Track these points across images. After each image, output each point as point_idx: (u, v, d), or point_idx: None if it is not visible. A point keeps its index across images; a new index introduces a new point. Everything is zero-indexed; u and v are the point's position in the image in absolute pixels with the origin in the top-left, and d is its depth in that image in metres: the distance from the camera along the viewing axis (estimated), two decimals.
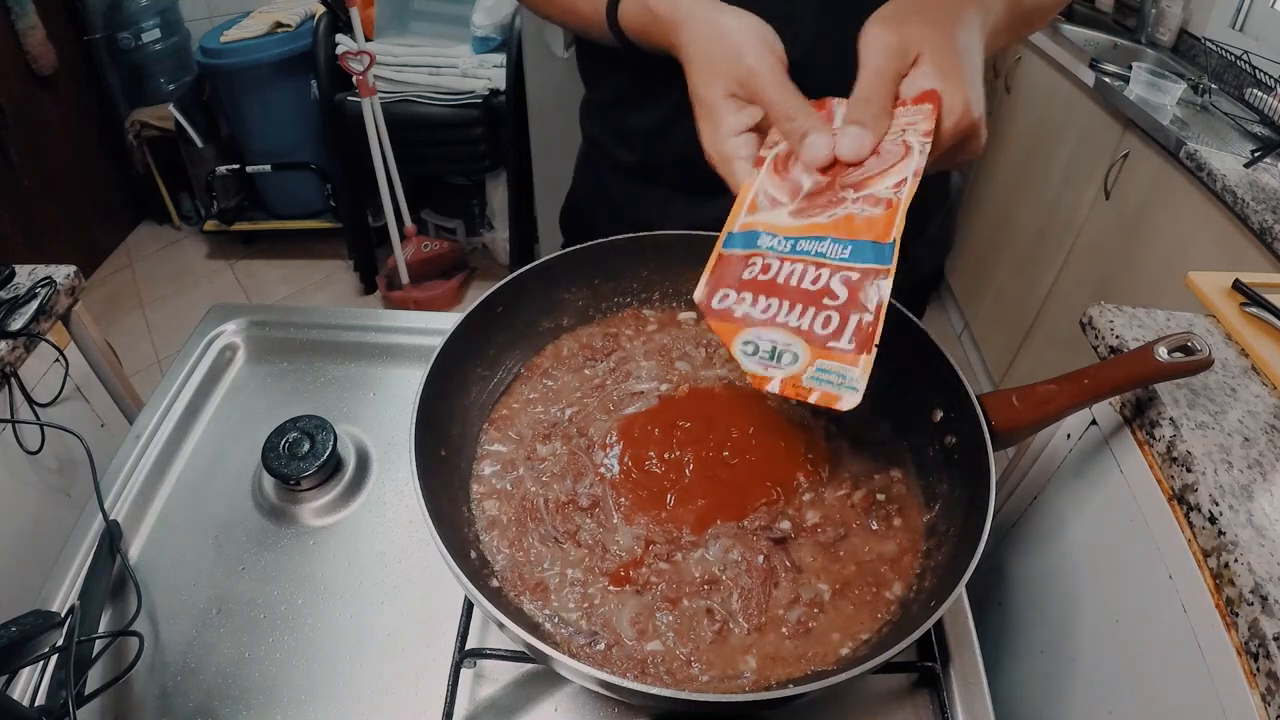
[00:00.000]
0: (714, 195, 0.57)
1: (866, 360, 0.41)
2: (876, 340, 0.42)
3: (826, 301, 0.44)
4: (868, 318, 0.42)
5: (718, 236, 0.52)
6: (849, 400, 0.41)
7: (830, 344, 0.42)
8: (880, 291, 0.43)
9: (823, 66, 0.54)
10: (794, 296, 0.45)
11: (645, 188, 0.77)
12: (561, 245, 0.84)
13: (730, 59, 0.52)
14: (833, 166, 0.49)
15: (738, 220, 0.50)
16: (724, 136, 0.52)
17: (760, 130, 0.53)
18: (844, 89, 0.50)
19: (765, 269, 0.46)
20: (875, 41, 0.48)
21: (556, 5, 0.67)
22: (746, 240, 0.49)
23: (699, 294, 0.48)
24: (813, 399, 0.42)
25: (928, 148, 0.45)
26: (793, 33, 0.60)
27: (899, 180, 0.45)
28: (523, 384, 0.64)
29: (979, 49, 0.50)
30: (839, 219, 0.46)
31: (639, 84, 0.71)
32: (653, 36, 0.59)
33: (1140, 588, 0.60)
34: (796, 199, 0.49)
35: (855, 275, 0.43)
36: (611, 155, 0.79)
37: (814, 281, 0.44)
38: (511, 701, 0.54)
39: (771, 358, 0.44)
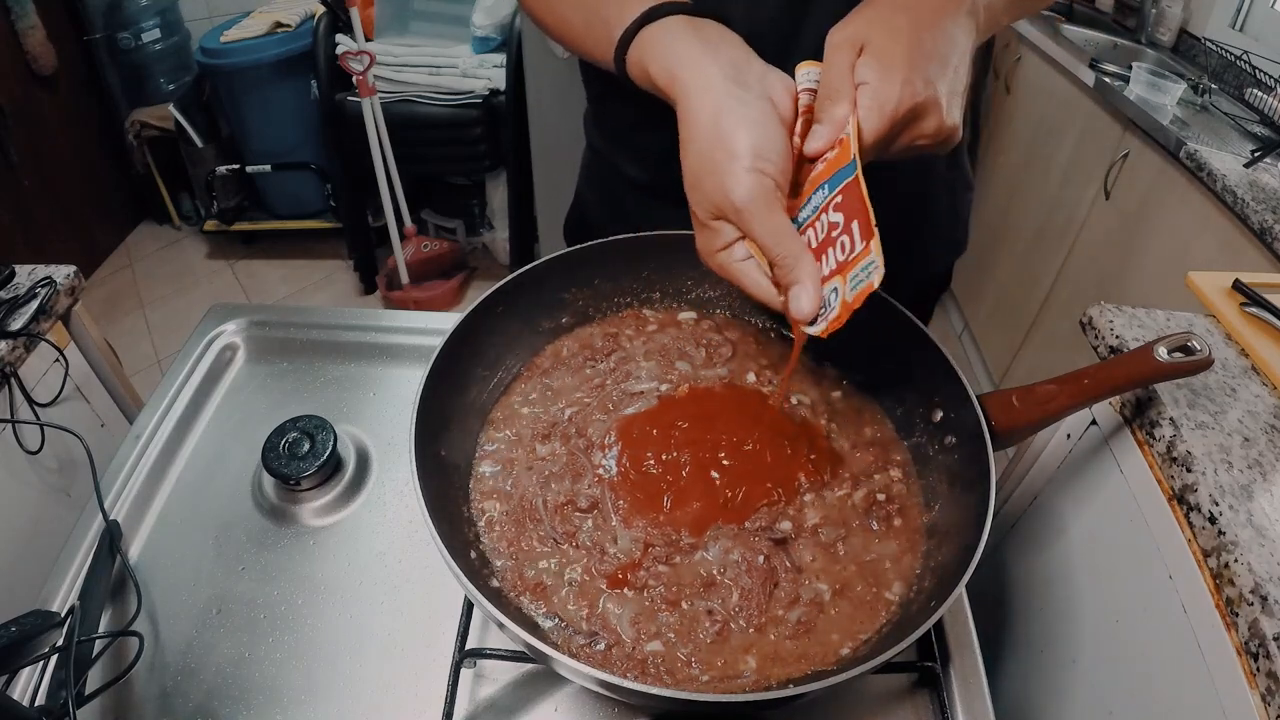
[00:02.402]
0: None
1: (875, 243, 0.44)
2: (874, 221, 0.44)
3: (834, 234, 0.47)
4: (863, 209, 0.45)
5: None
6: (878, 278, 0.44)
7: (851, 256, 0.45)
8: (859, 187, 0.45)
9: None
10: (817, 254, 0.48)
11: (657, 202, 0.76)
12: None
13: (718, 187, 0.48)
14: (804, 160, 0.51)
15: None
16: (715, 250, 0.50)
17: None
18: None
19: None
20: (834, 40, 0.49)
21: (566, 39, 0.64)
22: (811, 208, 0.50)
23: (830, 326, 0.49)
24: (859, 301, 0.45)
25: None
26: (800, 39, 0.60)
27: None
28: (523, 384, 0.64)
29: (940, 31, 0.49)
30: (813, 178, 0.49)
31: (648, 107, 0.69)
32: (654, 90, 0.55)
33: (1140, 588, 0.60)
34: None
35: (839, 197, 0.47)
36: (620, 170, 0.78)
37: (822, 230, 0.48)
38: (511, 701, 0.54)
39: (826, 308, 0.47)
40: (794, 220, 0.49)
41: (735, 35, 0.53)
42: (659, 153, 0.71)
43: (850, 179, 0.46)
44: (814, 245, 0.48)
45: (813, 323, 0.48)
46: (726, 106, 0.49)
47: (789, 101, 0.51)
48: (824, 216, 0.48)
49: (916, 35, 0.48)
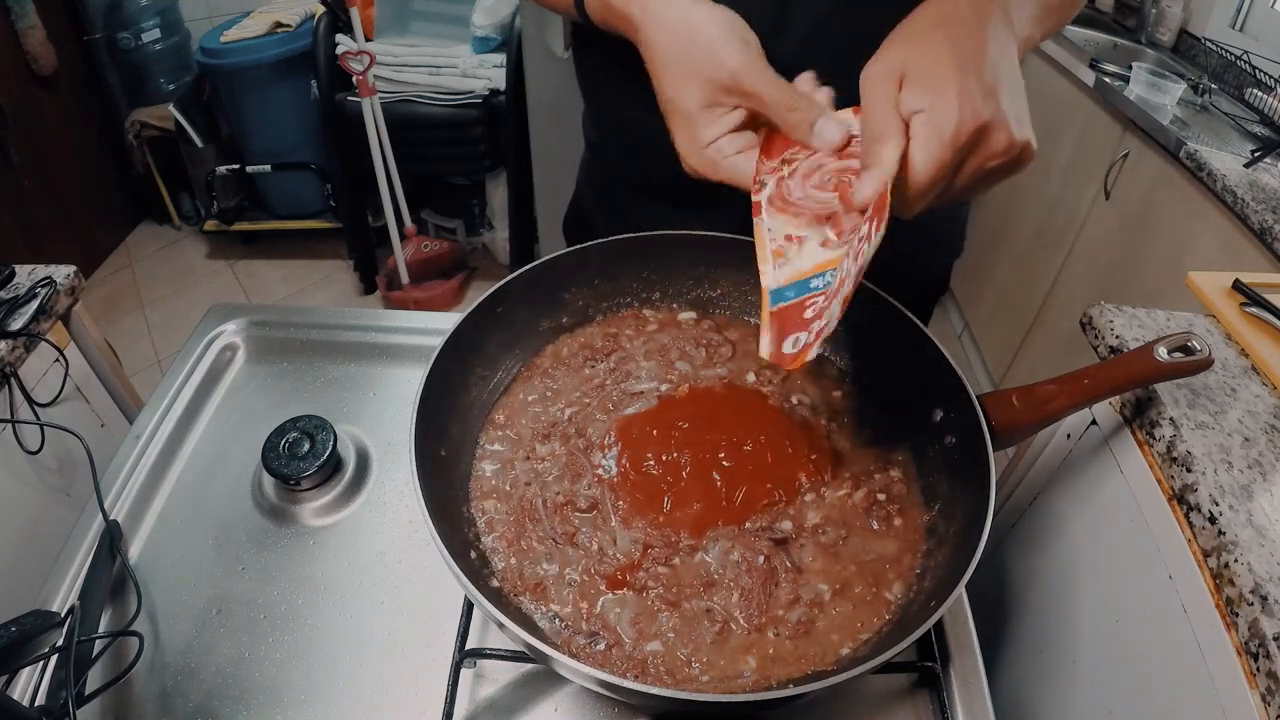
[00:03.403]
0: (719, 206, 0.56)
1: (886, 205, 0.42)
2: (886, 196, 0.42)
3: (858, 242, 0.45)
4: (879, 202, 0.43)
5: (718, 236, 0.52)
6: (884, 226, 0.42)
7: (871, 242, 0.43)
8: (884, 191, 0.43)
9: (816, 67, 0.53)
10: (845, 285, 0.45)
11: (655, 201, 0.76)
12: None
13: (708, 62, 0.48)
14: (839, 176, 0.49)
15: (769, 273, 0.49)
16: (704, 143, 0.50)
17: (741, 128, 0.51)
18: (836, 89, 0.50)
19: (829, 294, 0.46)
20: (868, 76, 0.46)
21: None
22: (795, 290, 0.48)
23: (768, 355, 0.47)
24: (868, 255, 0.43)
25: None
26: (786, 33, 0.59)
27: None
28: (522, 384, 0.64)
29: (988, 35, 0.45)
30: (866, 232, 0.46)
31: (635, 96, 0.69)
32: (616, 29, 0.55)
33: (1140, 588, 0.60)
34: (819, 228, 0.49)
35: (869, 210, 0.44)
36: (614, 164, 0.78)
37: (854, 257, 0.45)
38: (511, 701, 0.54)
39: (835, 309, 0.45)
40: (844, 266, 0.47)
41: None
42: (655, 148, 0.71)
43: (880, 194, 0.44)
44: (845, 276, 0.46)
45: (823, 348, 0.44)
46: (694, 8, 0.49)
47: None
48: (855, 240, 0.46)
49: (960, 46, 0.43)
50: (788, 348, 0.47)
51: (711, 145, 0.50)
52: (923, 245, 0.77)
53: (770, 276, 0.49)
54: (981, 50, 0.44)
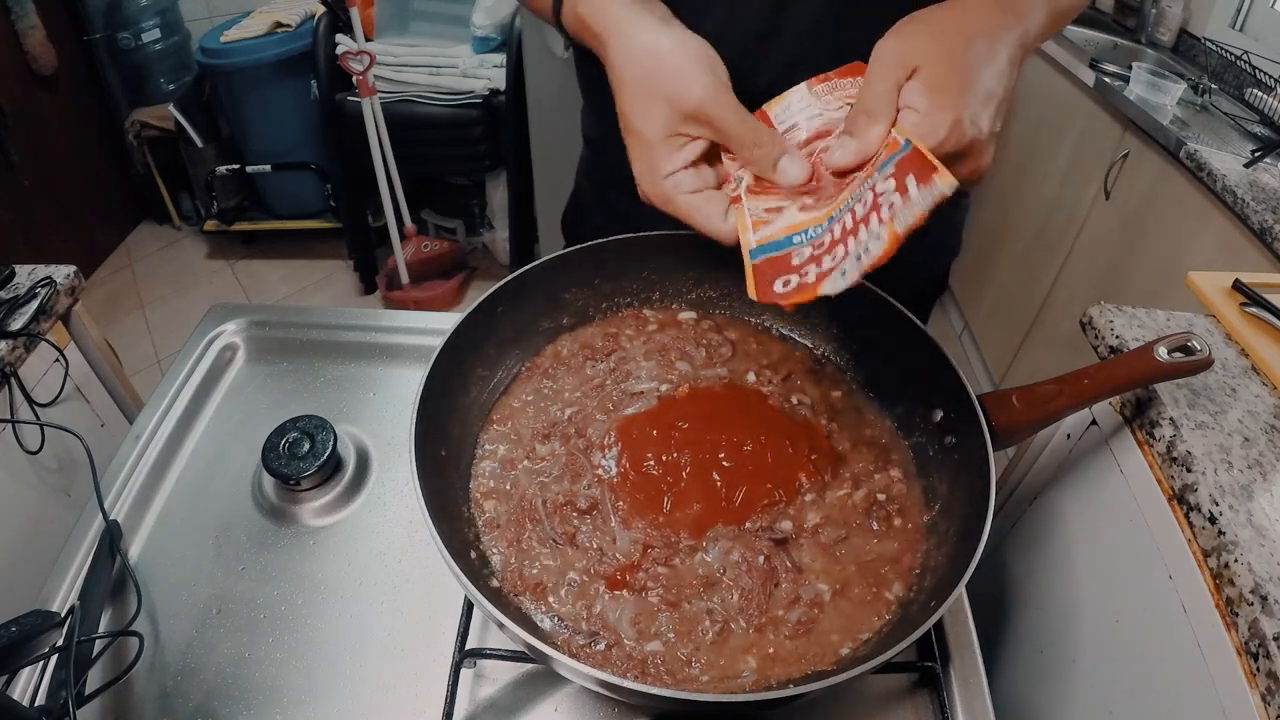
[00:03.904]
0: None
1: (940, 173, 0.41)
2: (936, 162, 0.41)
3: (881, 199, 0.44)
4: (917, 164, 0.42)
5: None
6: (947, 186, 0.41)
7: (903, 204, 0.42)
8: (920, 150, 0.42)
9: (809, 71, 0.53)
10: (854, 229, 0.44)
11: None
12: (562, 248, 0.84)
13: (673, 89, 0.47)
14: (814, 156, 0.49)
15: (750, 239, 0.49)
16: (662, 174, 0.49)
17: (699, 162, 0.50)
18: None
19: (817, 245, 0.46)
20: (882, 54, 0.47)
21: None
22: (774, 246, 0.48)
23: (753, 294, 0.47)
24: (919, 221, 0.42)
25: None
26: (781, 35, 0.59)
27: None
28: (523, 384, 0.64)
29: (995, 66, 0.47)
30: (856, 183, 0.46)
31: None
32: (587, 45, 0.55)
33: (1140, 588, 0.60)
34: (798, 198, 0.49)
35: (890, 168, 0.44)
36: (610, 158, 0.78)
37: (863, 206, 0.44)
38: (511, 701, 0.54)
39: (857, 260, 0.43)
40: (826, 220, 0.47)
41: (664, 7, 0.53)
42: None
43: (907, 152, 0.43)
44: (850, 225, 0.45)
45: (837, 284, 0.43)
46: (662, 29, 0.49)
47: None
48: (868, 194, 0.45)
49: (974, 68, 0.45)
50: (778, 287, 0.47)
51: (669, 177, 0.49)
52: (919, 245, 0.78)
53: (749, 239, 0.49)
54: (990, 78, 0.46)
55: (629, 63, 0.49)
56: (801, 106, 0.53)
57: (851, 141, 0.47)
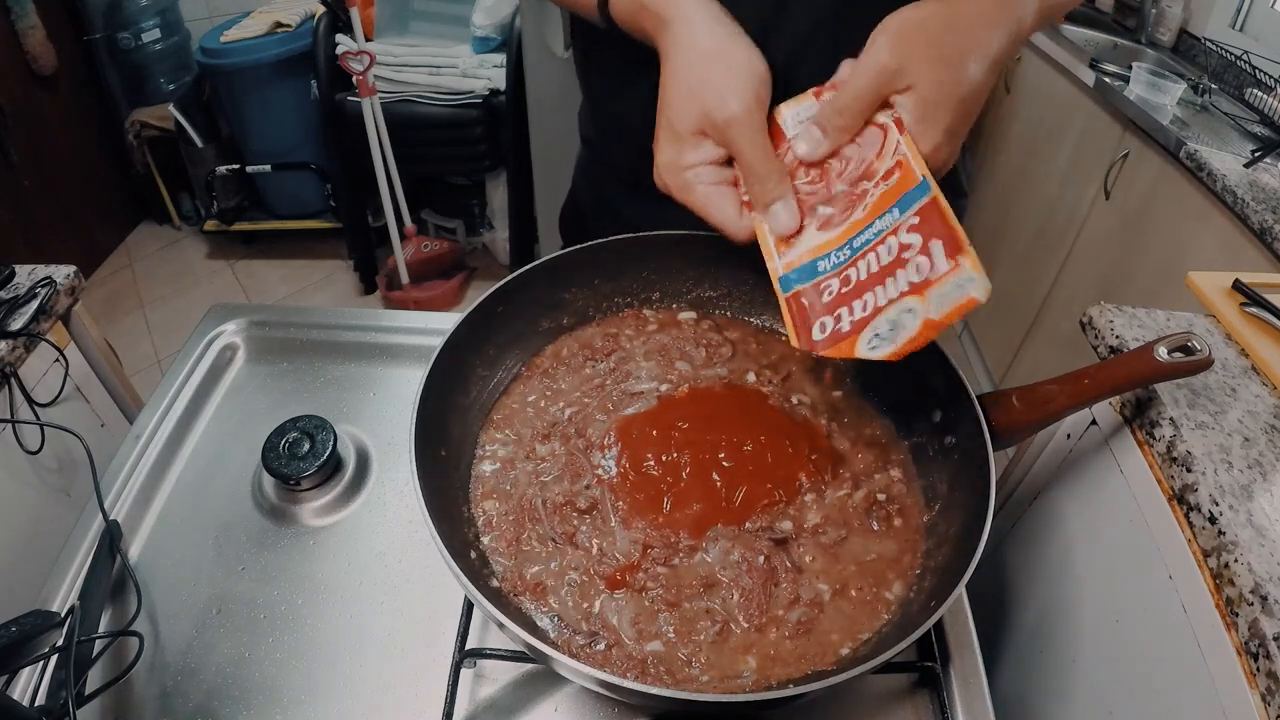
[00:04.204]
0: None
1: (969, 257, 0.42)
2: (963, 238, 0.43)
3: (906, 255, 0.45)
4: (946, 229, 0.44)
5: (717, 236, 0.52)
6: (981, 292, 0.42)
7: (931, 275, 0.44)
8: (939, 208, 0.44)
9: (809, 69, 0.53)
10: (880, 278, 0.46)
11: (641, 191, 0.77)
12: (560, 247, 0.84)
13: (715, 97, 0.48)
14: (819, 166, 0.50)
15: (778, 262, 0.51)
16: (684, 165, 0.50)
17: (724, 162, 0.51)
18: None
19: (845, 281, 0.48)
20: (875, 56, 0.47)
21: None
22: (802, 275, 0.49)
23: (794, 341, 0.49)
24: (952, 318, 0.43)
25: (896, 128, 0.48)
26: (781, 33, 0.59)
27: (894, 149, 0.47)
28: (522, 384, 0.64)
29: (983, 81, 0.48)
30: (871, 205, 0.48)
31: (634, 92, 0.68)
32: (640, 26, 0.55)
33: (1140, 588, 0.60)
34: (814, 213, 0.50)
35: (915, 219, 0.45)
36: (607, 157, 0.78)
37: (889, 253, 0.46)
38: (511, 701, 0.54)
39: (893, 330, 0.45)
40: (845, 248, 0.48)
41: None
42: (637, 128, 0.71)
43: (927, 199, 0.45)
44: (875, 269, 0.46)
45: (874, 346, 0.45)
46: (727, 32, 0.49)
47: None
48: (892, 239, 0.46)
49: (965, 95, 0.47)
50: (816, 334, 0.48)
51: (692, 169, 0.50)
52: None
53: (775, 262, 0.50)
54: (978, 90, 0.48)
55: (686, 56, 0.49)
56: (809, 113, 0.53)
57: (820, 137, 0.49)
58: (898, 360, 0.45)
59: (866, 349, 0.45)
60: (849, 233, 0.48)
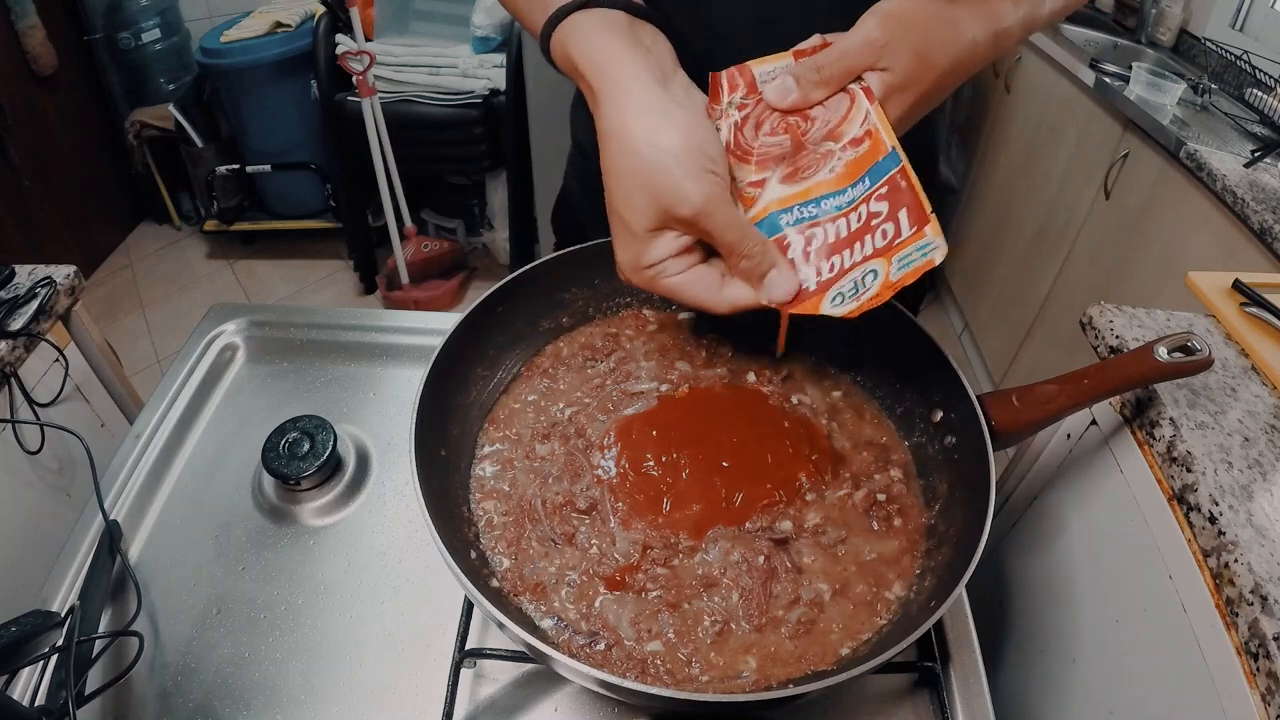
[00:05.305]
0: None
1: (932, 225, 0.46)
2: (928, 209, 0.46)
3: (874, 223, 0.47)
4: (913, 198, 0.46)
5: None
6: (940, 255, 0.45)
7: (897, 241, 0.46)
8: (907, 177, 0.46)
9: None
10: (850, 240, 0.48)
11: None
12: (554, 243, 0.84)
13: (668, 193, 0.44)
14: (786, 119, 0.50)
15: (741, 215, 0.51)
16: (646, 265, 0.47)
17: (688, 251, 0.49)
18: None
19: (809, 239, 0.49)
20: (866, 28, 0.48)
21: (513, 12, 0.60)
22: (766, 228, 0.49)
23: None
24: (910, 278, 0.46)
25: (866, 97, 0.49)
26: (774, 29, 0.59)
27: (863, 118, 0.49)
28: (522, 384, 0.64)
29: (945, 85, 0.50)
30: (840, 172, 0.49)
31: None
32: (579, 85, 0.52)
33: (1140, 588, 0.60)
34: (778, 167, 0.50)
35: (884, 189, 0.47)
36: (596, 159, 0.78)
37: (858, 220, 0.48)
38: (511, 701, 0.54)
39: (857, 290, 0.47)
40: (811, 206, 0.49)
41: (668, 44, 0.52)
42: None
43: (896, 169, 0.47)
44: (845, 234, 0.48)
45: (837, 304, 0.48)
46: (661, 106, 0.45)
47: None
48: (863, 207, 0.48)
49: (925, 86, 0.48)
50: None
51: (654, 267, 0.48)
52: None
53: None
54: (940, 92, 0.50)
55: (625, 142, 0.45)
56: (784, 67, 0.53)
57: (792, 87, 0.48)
58: (855, 317, 0.47)
59: (830, 306, 0.47)
60: (813, 191, 0.49)
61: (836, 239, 0.48)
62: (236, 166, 2.46)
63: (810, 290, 0.48)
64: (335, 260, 2.64)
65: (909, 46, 0.47)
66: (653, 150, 0.45)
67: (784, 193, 0.50)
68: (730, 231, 0.46)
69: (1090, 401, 0.55)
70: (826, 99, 0.49)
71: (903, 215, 0.46)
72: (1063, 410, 0.54)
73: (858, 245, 0.48)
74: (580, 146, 0.82)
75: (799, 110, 0.50)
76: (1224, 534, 0.51)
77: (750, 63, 0.52)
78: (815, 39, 0.51)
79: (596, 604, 0.50)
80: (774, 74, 0.52)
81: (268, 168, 2.43)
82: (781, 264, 0.48)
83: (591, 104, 0.49)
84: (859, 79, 0.49)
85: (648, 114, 0.45)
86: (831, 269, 0.48)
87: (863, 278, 0.47)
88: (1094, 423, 0.69)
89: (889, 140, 0.47)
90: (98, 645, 0.53)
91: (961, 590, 0.44)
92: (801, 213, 0.49)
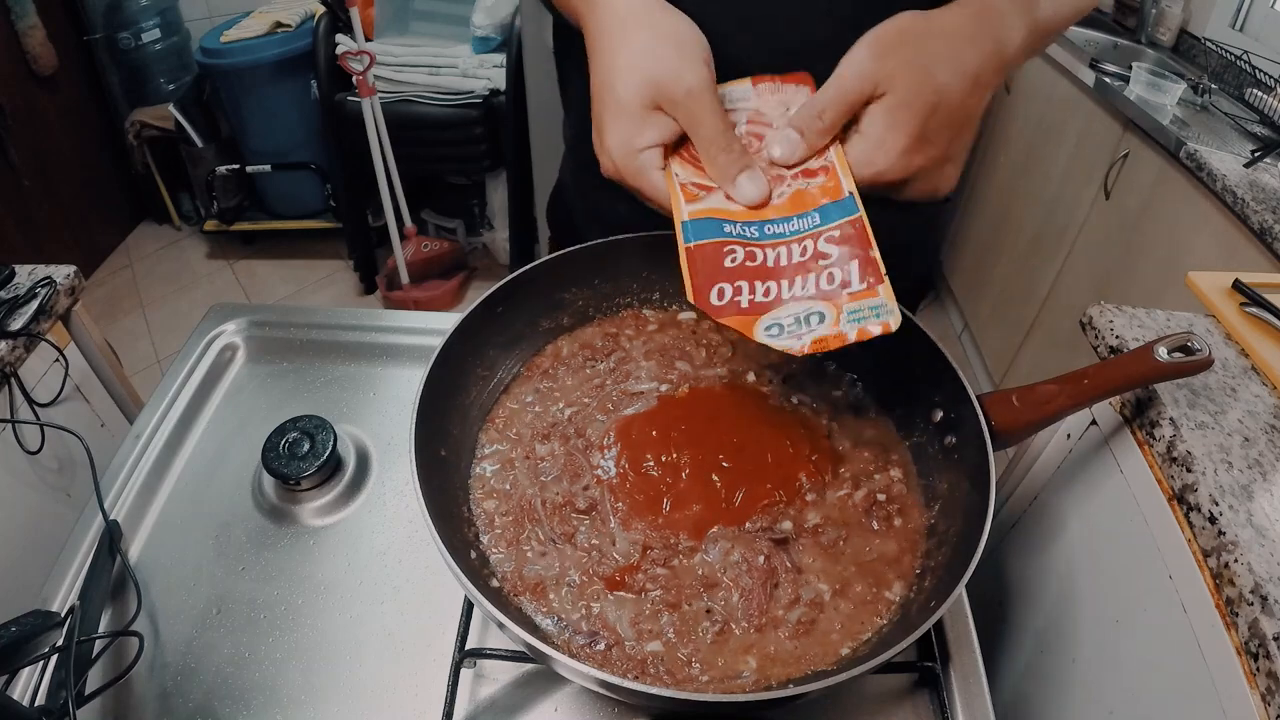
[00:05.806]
0: None
1: (886, 287, 0.44)
2: (882, 267, 0.45)
3: (822, 263, 0.46)
4: (866, 254, 0.45)
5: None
6: (894, 322, 0.44)
7: (845, 290, 0.45)
8: (862, 229, 0.46)
9: (793, 60, 0.53)
10: (790, 273, 0.47)
11: (628, 199, 0.76)
12: (549, 238, 0.83)
13: (668, 70, 0.46)
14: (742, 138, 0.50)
15: (683, 210, 0.49)
16: (639, 147, 0.48)
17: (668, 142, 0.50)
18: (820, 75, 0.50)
19: (750, 256, 0.48)
20: (855, 61, 0.47)
21: None
22: (707, 229, 0.48)
23: (690, 295, 0.48)
24: (854, 338, 0.44)
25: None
26: (766, 25, 0.59)
27: (823, 153, 0.48)
28: (522, 384, 0.64)
29: (961, 97, 0.47)
30: (790, 197, 0.48)
31: None
32: (570, 7, 0.53)
33: (1140, 588, 0.60)
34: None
35: (836, 232, 0.46)
36: (586, 163, 0.78)
37: (802, 254, 0.47)
38: (511, 701, 0.54)
39: (799, 325, 0.45)
40: (756, 226, 0.48)
41: None
42: None
43: (852, 217, 0.46)
44: (785, 263, 0.47)
45: (773, 334, 0.46)
46: (659, 5, 0.47)
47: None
48: (809, 242, 0.47)
49: (932, 95, 0.46)
50: (714, 298, 0.47)
51: (645, 152, 0.48)
52: (895, 250, 0.78)
53: (681, 210, 0.49)
54: (954, 109, 0.47)
55: (624, 31, 0.47)
56: (742, 97, 0.53)
57: (798, 140, 0.48)
58: (798, 356, 0.46)
59: (764, 334, 0.46)
60: (762, 215, 0.49)
61: (776, 265, 0.47)
62: (236, 166, 2.46)
63: (743, 307, 0.47)
64: (335, 260, 2.64)
65: (904, 63, 0.46)
66: (663, 32, 0.46)
67: (730, 208, 0.49)
68: (716, 120, 0.46)
69: (1090, 401, 0.54)
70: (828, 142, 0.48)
71: (854, 266, 0.45)
72: (1062, 410, 0.54)
73: (800, 279, 0.46)
74: (572, 150, 0.81)
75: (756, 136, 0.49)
76: (1224, 534, 0.51)
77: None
78: (766, 78, 0.51)
79: (596, 604, 0.50)
80: (729, 97, 0.52)
81: (268, 168, 2.43)
82: (755, 170, 0.47)
83: (587, 12, 0.49)
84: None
85: (647, 10, 0.47)
86: (768, 294, 0.46)
87: (805, 316, 0.45)
88: (1094, 423, 0.69)
89: (847, 184, 0.46)
90: (98, 645, 0.53)
91: (961, 590, 0.44)
92: (745, 230, 0.48)
